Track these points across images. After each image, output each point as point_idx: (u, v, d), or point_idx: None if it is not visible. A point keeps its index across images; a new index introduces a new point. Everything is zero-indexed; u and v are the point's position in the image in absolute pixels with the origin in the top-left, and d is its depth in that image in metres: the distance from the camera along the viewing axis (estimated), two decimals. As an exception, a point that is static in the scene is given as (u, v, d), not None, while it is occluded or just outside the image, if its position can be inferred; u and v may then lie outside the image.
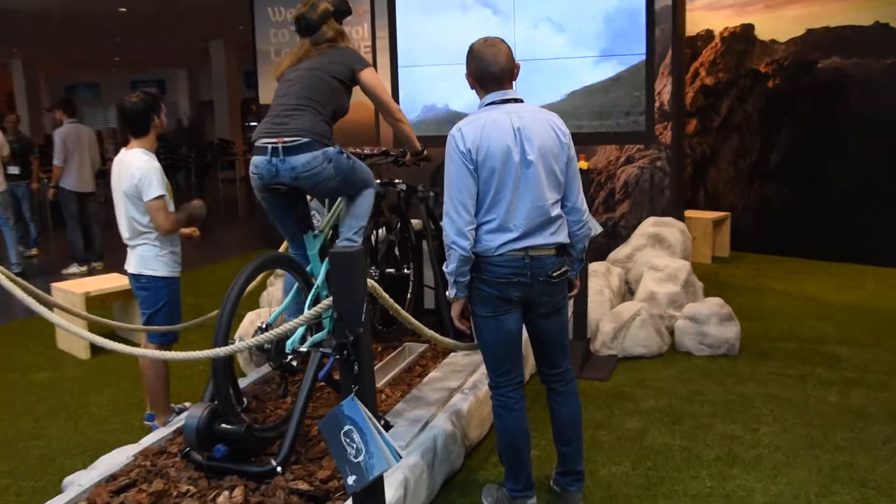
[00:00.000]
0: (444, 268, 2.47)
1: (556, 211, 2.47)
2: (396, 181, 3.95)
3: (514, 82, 2.48)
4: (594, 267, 4.97)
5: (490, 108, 2.44)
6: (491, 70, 2.42)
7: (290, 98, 2.99)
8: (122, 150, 3.30)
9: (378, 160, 3.62)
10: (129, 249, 3.31)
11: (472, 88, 2.51)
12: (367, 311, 2.25)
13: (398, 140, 4.95)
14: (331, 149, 2.96)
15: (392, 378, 3.58)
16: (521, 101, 2.48)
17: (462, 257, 2.39)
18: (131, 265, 3.29)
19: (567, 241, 2.52)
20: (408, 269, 4.13)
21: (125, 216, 3.27)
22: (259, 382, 3.55)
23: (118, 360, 4.72)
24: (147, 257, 3.27)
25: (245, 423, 2.59)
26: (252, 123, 20.65)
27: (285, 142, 2.90)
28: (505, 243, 2.41)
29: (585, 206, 2.56)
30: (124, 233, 3.29)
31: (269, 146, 2.92)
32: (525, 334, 2.62)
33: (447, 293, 2.52)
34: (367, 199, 3.24)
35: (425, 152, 3.63)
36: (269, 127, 2.97)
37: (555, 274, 2.48)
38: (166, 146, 14.94)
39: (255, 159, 2.97)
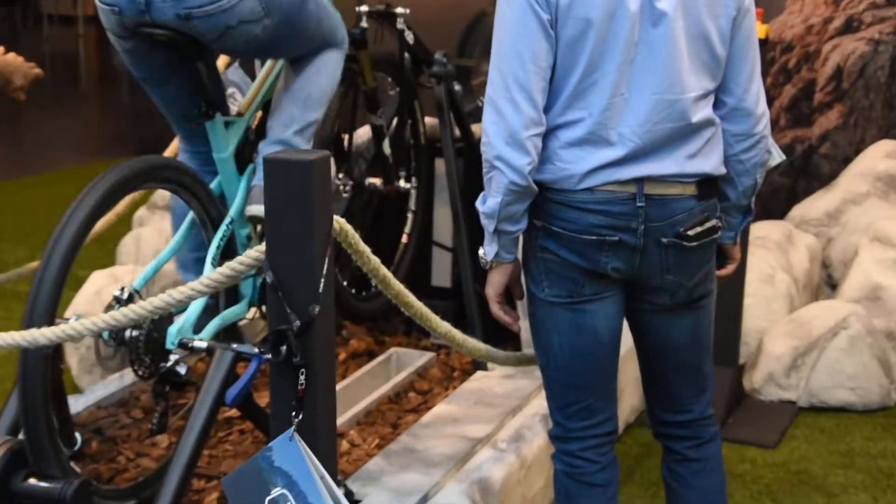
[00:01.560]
0: (478, 205, 2.52)
1: (704, 112, 2.48)
2: (398, 9, 4.04)
3: None
4: (760, 231, 4.95)
5: None
6: None
7: None
8: None
9: None
10: None
11: None
12: (330, 271, 2.28)
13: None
14: None
15: (365, 412, 3.64)
16: None
17: (514, 187, 2.42)
18: None
19: (719, 171, 2.55)
20: (408, 182, 4.22)
21: None
22: (109, 405, 3.61)
23: None
24: None
25: (76, 480, 2.64)
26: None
27: None
28: (598, 168, 2.43)
29: (764, 107, 2.58)
30: None
31: None
32: (624, 344, 2.67)
33: (481, 253, 2.57)
34: (327, 70, 3.28)
35: None
36: None
37: (691, 232, 2.51)
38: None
39: None
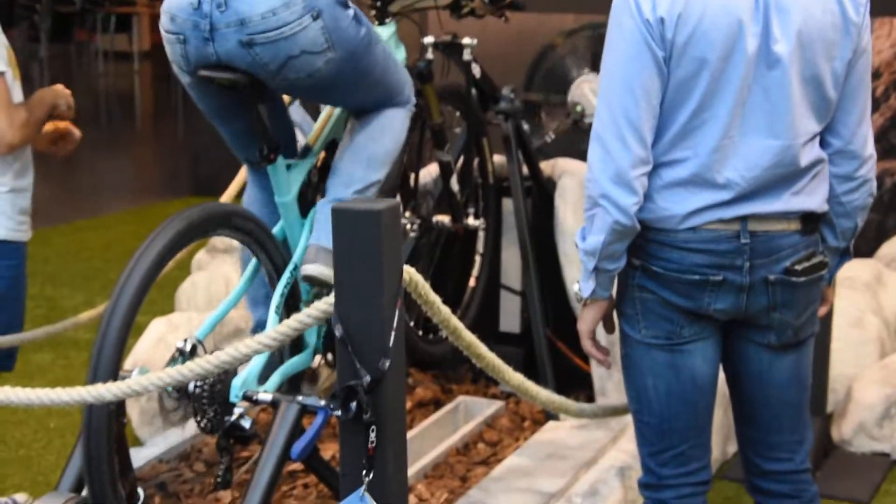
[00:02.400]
0: (577, 241, 2.54)
1: (813, 155, 2.50)
2: (465, 40, 4.05)
3: None
4: (848, 270, 4.83)
5: None
6: None
7: None
8: None
9: (420, 2, 3.71)
10: None
11: None
12: (400, 324, 2.30)
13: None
14: None
15: (433, 464, 3.65)
16: None
17: (618, 226, 2.44)
18: None
19: (823, 208, 2.56)
20: (476, 219, 4.24)
21: None
22: (171, 458, 3.65)
23: None
24: None
25: (142, 535, 2.69)
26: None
27: None
28: (703, 209, 2.46)
29: (871, 149, 2.59)
30: None
31: None
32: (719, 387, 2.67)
33: (576, 289, 2.59)
34: (392, 129, 3.32)
35: None
36: None
37: (799, 267, 2.52)
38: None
39: (171, 4, 3.02)
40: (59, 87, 3.54)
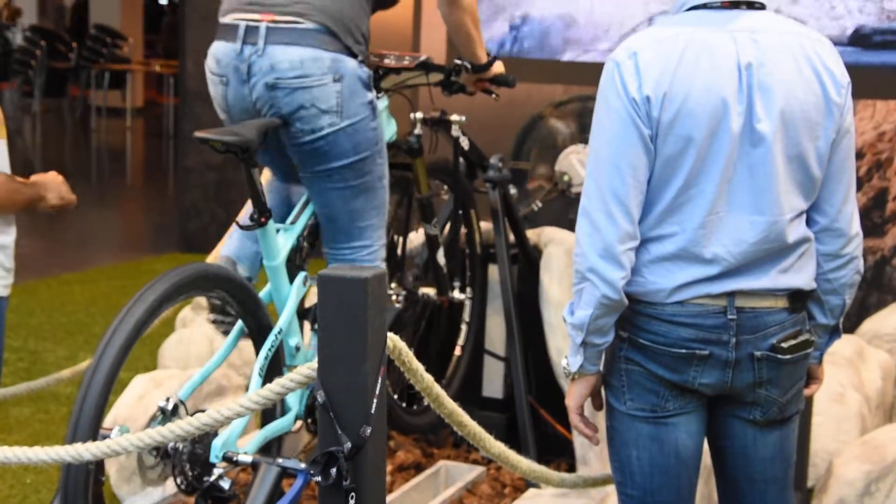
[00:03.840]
0: (565, 315, 2.54)
1: (799, 231, 2.52)
2: (453, 117, 4.08)
3: None
4: (829, 348, 4.85)
5: (699, 15, 2.50)
6: None
7: None
8: None
9: (411, 78, 3.75)
10: None
11: None
12: (382, 391, 2.29)
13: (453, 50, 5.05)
14: (351, 62, 3.15)
15: (411, 531, 3.62)
16: (763, 6, 2.52)
17: (606, 301, 2.44)
18: None
19: (811, 286, 2.57)
20: (462, 292, 4.24)
21: None
22: (149, 517, 3.62)
23: None
24: None
25: None
26: (162, 1, 21.11)
27: (276, 21, 3.11)
28: (690, 284, 2.47)
29: (857, 227, 2.61)
30: None
31: (244, 24, 3.14)
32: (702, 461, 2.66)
33: (564, 363, 2.58)
34: (375, 203, 3.39)
35: (498, 68, 3.77)
36: None
37: (785, 344, 2.52)
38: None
39: (218, 48, 3.23)
40: (56, 177, 3.52)
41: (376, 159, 3.31)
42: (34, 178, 3.45)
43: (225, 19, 3.21)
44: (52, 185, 3.48)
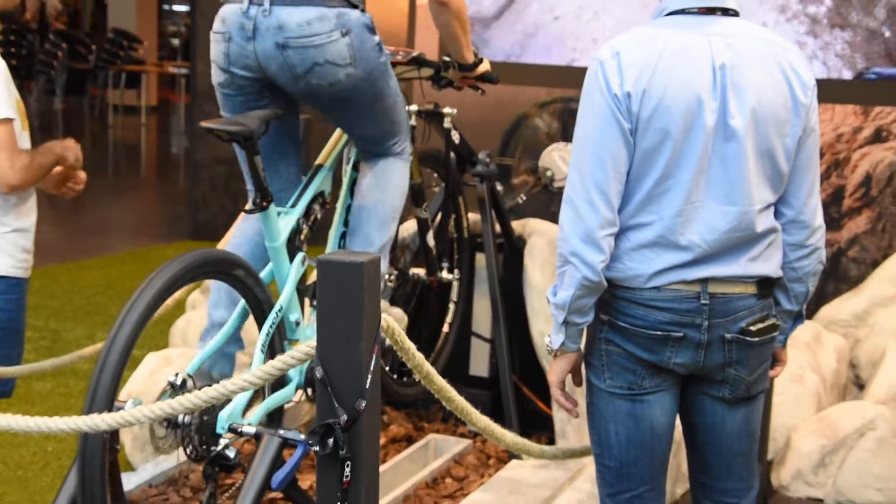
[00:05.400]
0: (548, 296, 2.54)
1: (767, 221, 2.52)
2: (445, 109, 4.08)
3: None
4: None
5: (677, 19, 2.50)
6: None
7: None
8: None
9: (404, 73, 3.76)
10: None
11: None
12: (376, 368, 2.29)
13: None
14: (354, 13, 3.16)
15: (403, 496, 3.62)
16: (737, 13, 2.53)
17: (586, 282, 2.45)
18: None
19: (777, 273, 2.58)
20: (450, 273, 4.25)
21: None
22: (160, 483, 3.62)
23: None
24: None
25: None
26: (175, 7, 21.05)
27: None
28: (666, 270, 2.47)
29: (821, 220, 2.61)
30: None
31: None
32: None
33: (546, 341, 2.59)
34: (394, 186, 3.44)
35: (484, 67, 3.77)
36: None
37: (753, 328, 2.53)
38: (10, 34, 15.27)
39: (224, 9, 3.23)
40: (70, 140, 3.54)
41: (390, 83, 3.33)
42: (47, 143, 3.47)
43: None
44: (69, 145, 3.50)
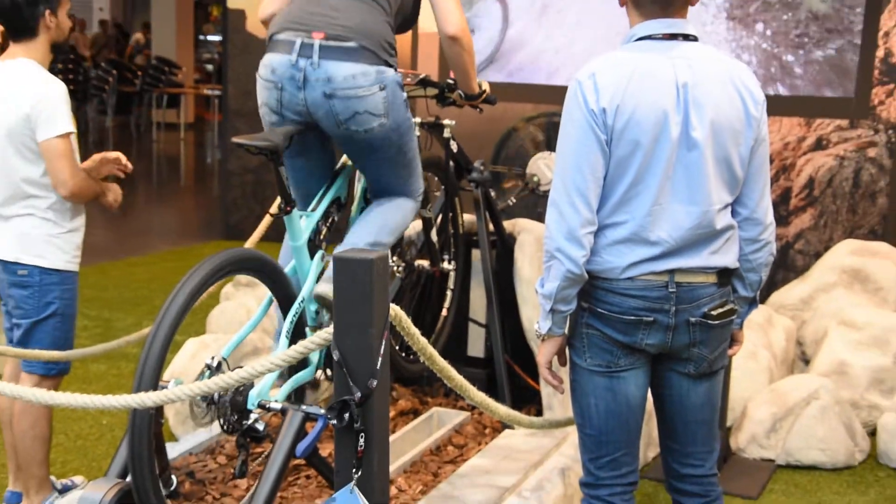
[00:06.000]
0: (537, 287, 2.56)
1: (725, 219, 2.53)
2: (445, 121, 4.08)
3: (689, 9, 2.53)
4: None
5: (644, 44, 2.51)
6: None
7: None
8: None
9: (412, 91, 3.74)
10: None
11: (621, 5, 2.58)
12: (386, 351, 2.31)
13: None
14: (390, 72, 3.15)
15: (410, 462, 3.64)
16: (696, 39, 2.53)
17: (570, 275, 2.46)
18: (1, 247, 3.38)
19: (735, 264, 2.59)
20: (449, 263, 4.26)
21: (0, 169, 3.33)
22: (199, 452, 3.64)
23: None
24: (32, 236, 3.35)
25: (173, 515, 2.67)
26: (210, 38, 21.03)
27: (326, 36, 3.08)
28: (639, 263, 2.48)
29: (771, 217, 2.62)
30: None
31: (300, 40, 3.10)
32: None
33: (535, 327, 2.60)
34: (403, 212, 3.42)
35: (486, 91, 3.76)
36: (301, 16, 3.15)
37: (714, 312, 2.54)
38: (67, 62, 15.29)
39: (273, 59, 3.15)
40: (112, 154, 3.58)
41: (413, 138, 3.33)
42: (96, 155, 3.57)
43: (279, 36, 3.14)
44: (114, 189, 3.54)
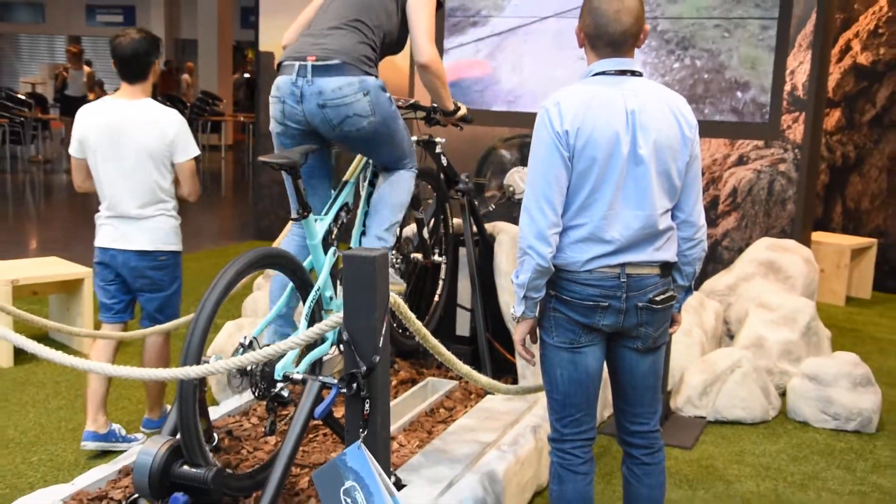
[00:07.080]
0: (512, 278, 2.54)
1: (666, 223, 2.52)
2: (437, 139, 4.04)
3: (636, 50, 2.52)
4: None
5: (600, 79, 2.50)
6: (609, 30, 2.45)
7: (330, 15, 3.24)
8: (122, 100, 3.66)
9: (404, 114, 3.71)
10: (127, 223, 3.66)
11: (580, 47, 2.57)
12: (387, 332, 2.27)
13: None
14: (371, 79, 3.15)
15: (409, 422, 3.61)
16: (641, 74, 2.53)
17: (539, 268, 2.45)
18: (139, 241, 3.67)
19: (674, 259, 2.57)
20: (440, 256, 4.22)
21: (142, 181, 3.63)
22: (235, 414, 3.61)
23: (49, 370, 4.81)
24: (165, 230, 3.72)
25: (214, 467, 2.63)
26: (246, 75, 21.00)
27: (317, 59, 3.12)
28: (596, 258, 2.47)
29: (703, 220, 2.61)
30: (132, 201, 3.64)
31: (297, 64, 3.15)
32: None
33: (511, 311, 2.58)
34: (403, 187, 3.37)
35: (462, 112, 3.74)
36: (300, 46, 3.22)
37: (658, 298, 2.53)
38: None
39: (279, 80, 3.22)
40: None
41: (399, 123, 3.30)
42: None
43: (284, 63, 3.19)
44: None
